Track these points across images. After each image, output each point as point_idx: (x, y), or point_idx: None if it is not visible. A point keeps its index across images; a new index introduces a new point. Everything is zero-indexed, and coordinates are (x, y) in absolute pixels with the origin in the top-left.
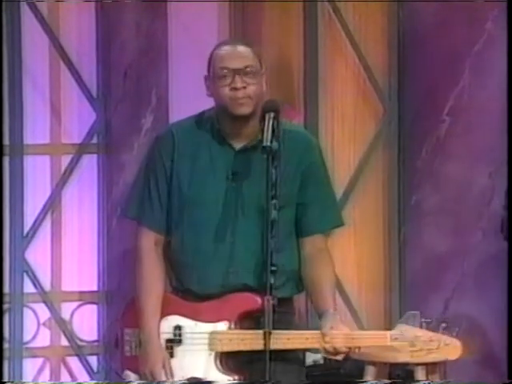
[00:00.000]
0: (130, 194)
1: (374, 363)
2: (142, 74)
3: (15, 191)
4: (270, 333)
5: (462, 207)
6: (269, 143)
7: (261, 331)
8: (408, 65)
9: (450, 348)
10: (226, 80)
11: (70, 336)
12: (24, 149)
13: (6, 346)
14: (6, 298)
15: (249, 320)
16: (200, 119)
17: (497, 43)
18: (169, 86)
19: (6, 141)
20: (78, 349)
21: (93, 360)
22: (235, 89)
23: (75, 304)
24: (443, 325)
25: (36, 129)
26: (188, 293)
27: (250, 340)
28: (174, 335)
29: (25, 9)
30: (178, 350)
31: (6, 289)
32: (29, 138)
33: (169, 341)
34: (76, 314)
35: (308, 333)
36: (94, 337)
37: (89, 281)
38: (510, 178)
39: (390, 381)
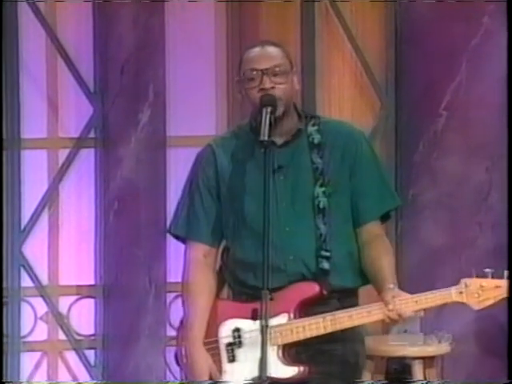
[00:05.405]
0: (175, 213)
1: (371, 357)
2: (139, 68)
3: (12, 185)
4: (267, 326)
5: (459, 201)
6: (266, 137)
7: (320, 316)
8: (405, 59)
9: None
10: (254, 82)
11: (68, 330)
12: (21, 143)
13: (3, 340)
14: (4, 292)
15: (308, 308)
16: (237, 127)
17: (494, 38)
18: (166, 80)
19: (4, 135)
20: (75, 343)
21: (90, 354)
22: (264, 89)
23: (73, 298)
24: (506, 271)
25: (33, 123)
26: (248, 291)
27: (311, 327)
28: (234, 338)
29: (22, 4)
30: (240, 352)
31: (4, 283)
32: (26, 133)
33: (229, 345)
34: (73, 308)
35: (368, 306)
36: (92, 331)
37: (86, 275)
38: (510, 174)
39: (386, 382)
